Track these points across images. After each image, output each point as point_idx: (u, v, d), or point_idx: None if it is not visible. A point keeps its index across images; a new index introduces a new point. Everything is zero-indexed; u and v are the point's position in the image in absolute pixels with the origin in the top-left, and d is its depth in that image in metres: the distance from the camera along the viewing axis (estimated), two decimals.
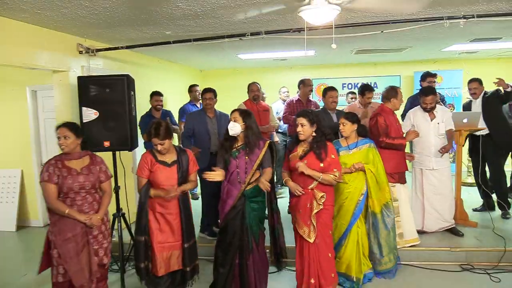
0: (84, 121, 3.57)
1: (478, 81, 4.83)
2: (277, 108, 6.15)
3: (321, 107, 4.86)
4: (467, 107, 5.05)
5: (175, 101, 6.20)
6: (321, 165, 3.10)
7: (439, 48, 6.14)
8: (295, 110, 4.88)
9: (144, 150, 4.82)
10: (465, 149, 5.68)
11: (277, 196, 3.39)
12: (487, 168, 4.96)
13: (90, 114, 3.57)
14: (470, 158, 5.76)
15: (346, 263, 3.45)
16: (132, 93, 3.72)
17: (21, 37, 3.58)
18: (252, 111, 4.51)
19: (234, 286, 3.16)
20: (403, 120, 4.55)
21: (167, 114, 5.31)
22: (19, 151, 5.58)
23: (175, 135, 5.09)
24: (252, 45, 5.27)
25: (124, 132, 3.62)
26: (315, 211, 3.08)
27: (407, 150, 4.20)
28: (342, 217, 3.47)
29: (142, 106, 4.80)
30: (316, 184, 3.10)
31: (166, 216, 3.06)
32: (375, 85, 7.73)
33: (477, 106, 4.84)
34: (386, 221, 3.54)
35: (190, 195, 3.35)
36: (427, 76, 5.00)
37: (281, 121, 5.55)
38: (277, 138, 5.96)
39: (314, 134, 3.15)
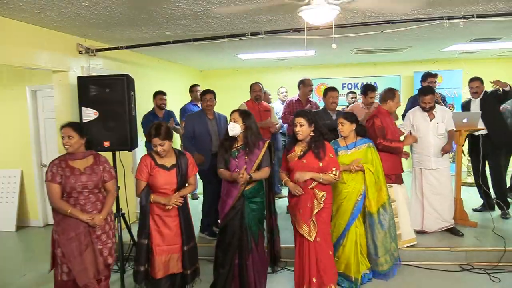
0: (84, 121, 3.57)
1: (479, 80, 4.83)
2: (276, 108, 6.15)
3: (321, 107, 4.86)
4: (466, 106, 5.06)
5: (175, 101, 6.19)
6: (320, 164, 3.10)
7: (439, 48, 6.14)
8: (294, 110, 4.88)
9: (145, 150, 4.86)
10: (465, 149, 5.68)
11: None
12: (487, 168, 4.97)
13: (90, 114, 3.58)
14: (469, 158, 5.77)
15: (345, 263, 3.46)
16: (132, 93, 3.72)
17: (21, 37, 3.58)
18: (254, 111, 4.54)
19: (233, 286, 3.16)
20: (403, 120, 4.56)
21: (170, 114, 5.31)
22: (19, 151, 5.58)
23: (176, 136, 5.10)
24: (252, 45, 5.27)
25: (124, 132, 3.62)
26: (316, 210, 3.08)
27: (406, 149, 4.19)
28: (340, 217, 3.47)
29: (142, 106, 4.80)
30: (315, 184, 3.11)
31: (164, 218, 3.02)
32: (375, 85, 7.71)
33: (476, 105, 4.85)
34: (383, 222, 3.53)
35: (189, 196, 3.34)
36: (428, 76, 5.00)
37: (280, 120, 5.55)
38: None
39: (312, 133, 3.15)
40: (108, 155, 3.59)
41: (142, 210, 3.01)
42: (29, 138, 5.50)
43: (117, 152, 3.80)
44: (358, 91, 7.50)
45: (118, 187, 3.77)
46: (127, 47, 4.47)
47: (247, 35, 3.95)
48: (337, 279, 3.26)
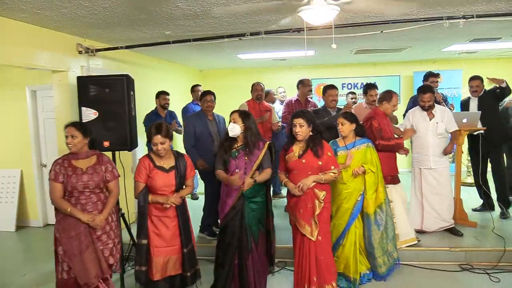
0: (83, 121, 3.56)
1: (479, 79, 4.84)
2: (275, 108, 6.15)
3: (319, 107, 4.85)
4: (465, 104, 5.06)
5: (175, 101, 6.18)
6: (320, 163, 3.11)
7: (439, 48, 6.14)
8: (294, 110, 4.87)
9: (146, 150, 4.85)
10: (465, 149, 5.68)
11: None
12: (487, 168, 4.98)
13: (90, 114, 3.58)
14: (469, 158, 5.77)
15: (344, 263, 3.46)
16: (132, 93, 3.71)
17: (21, 37, 3.58)
18: (255, 110, 4.54)
19: (233, 286, 3.17)
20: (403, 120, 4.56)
21: (172, 115, 5.32)
22: (19, 151, 5.58)
23: (176, 136, 5.10)
24: (251, 45, 5.27)
25: (124, 132, 3.62)
26: (318, 210, 3.09)
27: (406, 145, 4.14)
28: (340, 217, 3.47)
29: (142, 106, 4.80)
30: (315, 183, 3.11)
31: (162, 219, 3.00)
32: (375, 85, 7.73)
33: (475, 103, 4.86)
34: (379, 222, 3.52)
35: (188, 196, 3.33)
36: (430, 76, 5.01)
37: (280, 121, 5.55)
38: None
39: (310, 133, 3.16)
40: (108, 155, 3.58)
41: (140, 211, 2.99)
42: (29, 138, 5.50)
43: (117, 152, 3.79)
44: (358, 91, 7.53)
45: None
46: (127, 47, 4.46)
47: (247, 35, 3.95)
48: (336, 278, 3.26)
